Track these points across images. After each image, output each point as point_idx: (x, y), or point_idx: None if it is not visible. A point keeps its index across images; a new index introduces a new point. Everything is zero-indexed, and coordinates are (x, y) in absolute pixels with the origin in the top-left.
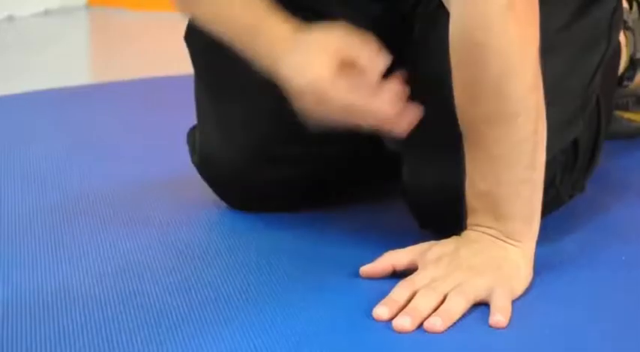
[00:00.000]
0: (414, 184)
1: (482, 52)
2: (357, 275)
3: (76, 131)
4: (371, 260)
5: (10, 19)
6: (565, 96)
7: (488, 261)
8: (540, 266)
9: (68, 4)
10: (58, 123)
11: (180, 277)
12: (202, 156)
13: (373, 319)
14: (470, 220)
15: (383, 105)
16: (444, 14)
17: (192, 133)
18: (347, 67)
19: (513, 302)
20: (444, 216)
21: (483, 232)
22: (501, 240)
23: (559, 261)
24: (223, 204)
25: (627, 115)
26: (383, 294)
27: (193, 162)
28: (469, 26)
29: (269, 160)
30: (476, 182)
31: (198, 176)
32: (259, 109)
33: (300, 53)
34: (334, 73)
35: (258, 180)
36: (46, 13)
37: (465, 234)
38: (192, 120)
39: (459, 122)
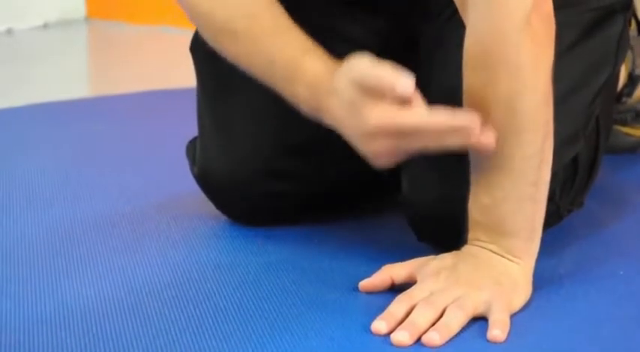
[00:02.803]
0: (413, 196)
1: (496, 66)
2: (355, 289)
3: (74, 144)
4: (369, 274)
5: (10, 32)
6: (569, 114)
7: (488, 276)
8: (538, 280)
9: (67, 17)
10: (57, 137)
11: (179, 291)
12: (202, 167)
13: (372, 333)
14: (471, 235)
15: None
16: (453, 29)
17: (191, 145)
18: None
19: (511, 316)
20: (442, 229)
21: (483, 247)
22: (501, 255)
23: (557, 275)
24: (222, 218)
25: (625, 130)
26: (381, 308)
27: (193, 173)
28: (485, 40)
29: (269, 173)
30: (480, 195)
31: (197, 189)
32: (261, 122)
33: (339, 97)
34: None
35: (257, 193)
36: (45, 26)
37: (465, 248)
38: (191, 133)
39: None
